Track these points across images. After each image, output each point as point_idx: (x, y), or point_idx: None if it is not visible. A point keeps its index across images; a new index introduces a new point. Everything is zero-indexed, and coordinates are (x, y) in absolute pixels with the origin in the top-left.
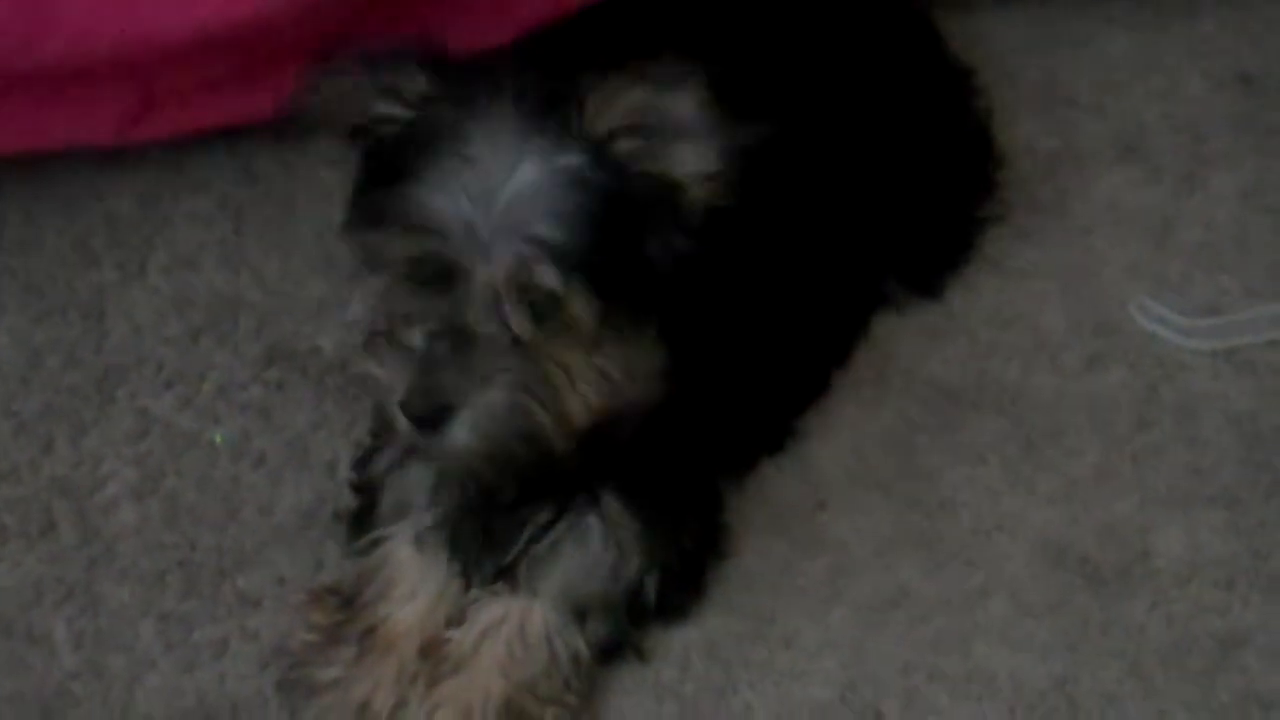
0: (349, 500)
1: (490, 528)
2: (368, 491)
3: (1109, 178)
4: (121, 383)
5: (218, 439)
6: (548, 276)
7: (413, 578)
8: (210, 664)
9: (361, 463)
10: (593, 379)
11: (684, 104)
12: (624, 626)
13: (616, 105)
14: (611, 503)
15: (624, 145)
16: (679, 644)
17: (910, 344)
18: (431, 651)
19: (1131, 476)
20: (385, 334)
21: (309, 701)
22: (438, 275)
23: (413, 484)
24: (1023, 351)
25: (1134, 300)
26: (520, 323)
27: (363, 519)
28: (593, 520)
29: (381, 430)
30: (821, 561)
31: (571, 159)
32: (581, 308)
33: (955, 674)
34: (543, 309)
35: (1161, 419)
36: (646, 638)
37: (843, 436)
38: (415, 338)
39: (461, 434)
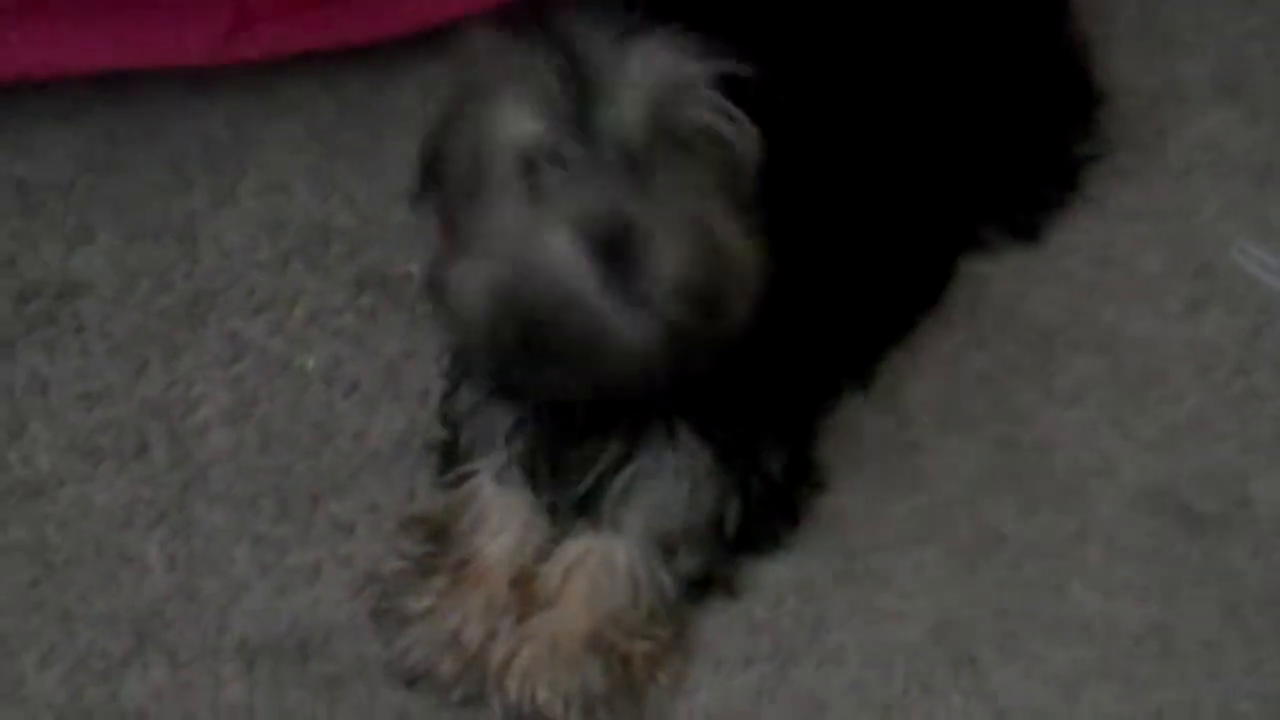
0: (439, 431)
1: (562, 462)
2: (454, 424)
3: (1208, 118)
4: (213, 307)
5: (309, 365)
6: (702, 82)
7: (502, 513)
8: (304, 589)
9: (447, 397)
10: (751, 234)
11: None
12: (713, 559)
13: None
14: (685, 433)
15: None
16: (772, 581)
17: (1006, 283)
18: (522, 585)
19: (1231, 422)
20: (530, 194)
21: (401, 630)
22: (584, 89)
23: (493, 419)
24: (1121, 293)
25: (1235, 244)
26: (679, 136)
27: (451, 451)
28: (667, 453)
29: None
30: (914, 501)
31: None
32: (740, 138)
33: (1049, 618)
34: (696, 143)
35: (1262, 365)
36: (737, 572)
37: (937, 375)
38: (579, 166)
39: (661, 261)
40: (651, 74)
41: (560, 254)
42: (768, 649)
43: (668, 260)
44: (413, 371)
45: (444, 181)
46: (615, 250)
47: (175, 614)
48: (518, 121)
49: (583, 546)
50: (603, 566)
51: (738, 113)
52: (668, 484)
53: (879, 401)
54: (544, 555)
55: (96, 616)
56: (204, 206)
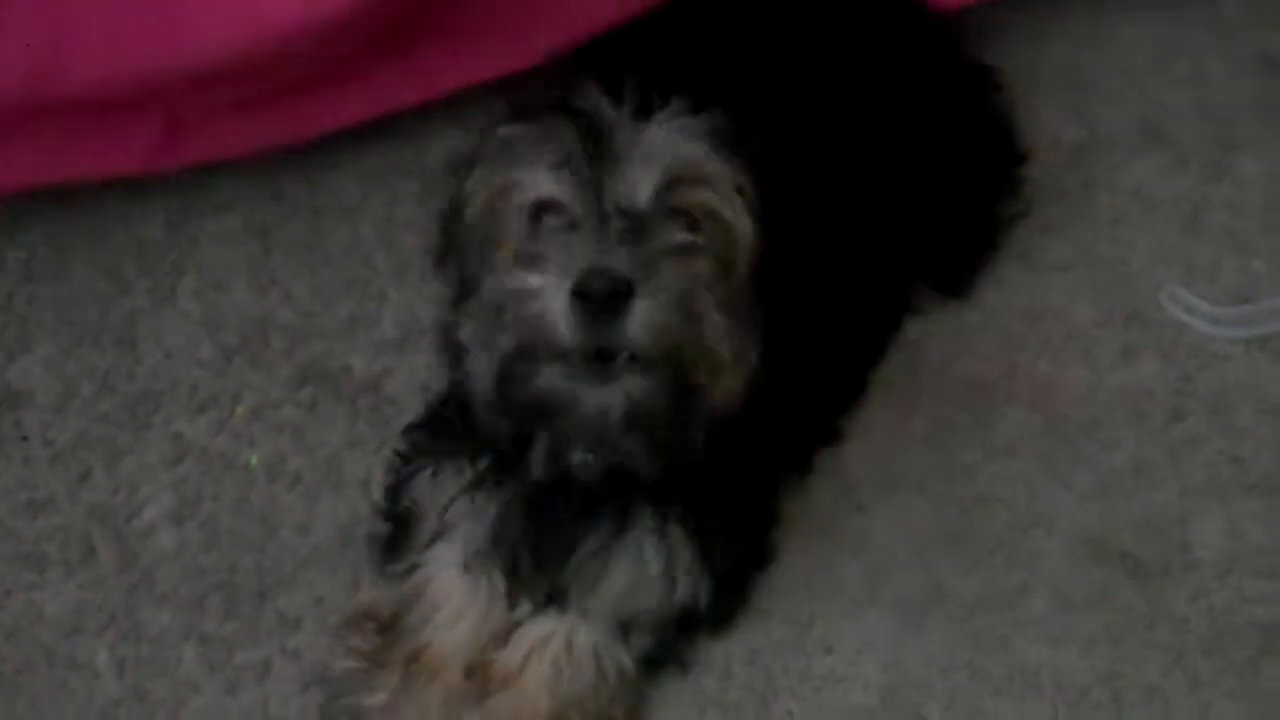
0: (381, 526)
1: (543, 547)
2: (402, 516)
3: (1135, 166)
4: (156, 408)
5: (253, 461)
6: (715, 169)
7: (457, 602)
8: (253, 686)
9: (393, 490)
10: (733, 322)
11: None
12: (670, 640)
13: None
14: (668, 521)
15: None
16: (720, 652)
17: (941, 342)
18: (477, 674)
19: (1169, 468)
20: (535, 246)
21: None
22: (600, 157)
23: (452, 506)
24: (1054, 345)
25: (1164, 289)
26: (684, 213)
27: (398, 543)
28: (647, 539)
29: (536, 346)
30: (860, 563)
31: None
32: (738, 221)
33: (997, 673)
34: (700, 221)
35: (1197, 409)
36: (690, 650)
37: (878, 438)
38: (583, 226)
39: (639, 318)
40: (665, 151)
41: (549, 298)
42: None
43: (646, 319)
44: (355, 462)
45: (459, 237)
46: (600, 304)
47: (126, 719)
48: (534, 180)
49: (542, 629)
50: (565, 650)
51: (742, 199)
52: (649, 570)
53: (824, 467)
54: (499, 641)
55: None
56: (143, 308)
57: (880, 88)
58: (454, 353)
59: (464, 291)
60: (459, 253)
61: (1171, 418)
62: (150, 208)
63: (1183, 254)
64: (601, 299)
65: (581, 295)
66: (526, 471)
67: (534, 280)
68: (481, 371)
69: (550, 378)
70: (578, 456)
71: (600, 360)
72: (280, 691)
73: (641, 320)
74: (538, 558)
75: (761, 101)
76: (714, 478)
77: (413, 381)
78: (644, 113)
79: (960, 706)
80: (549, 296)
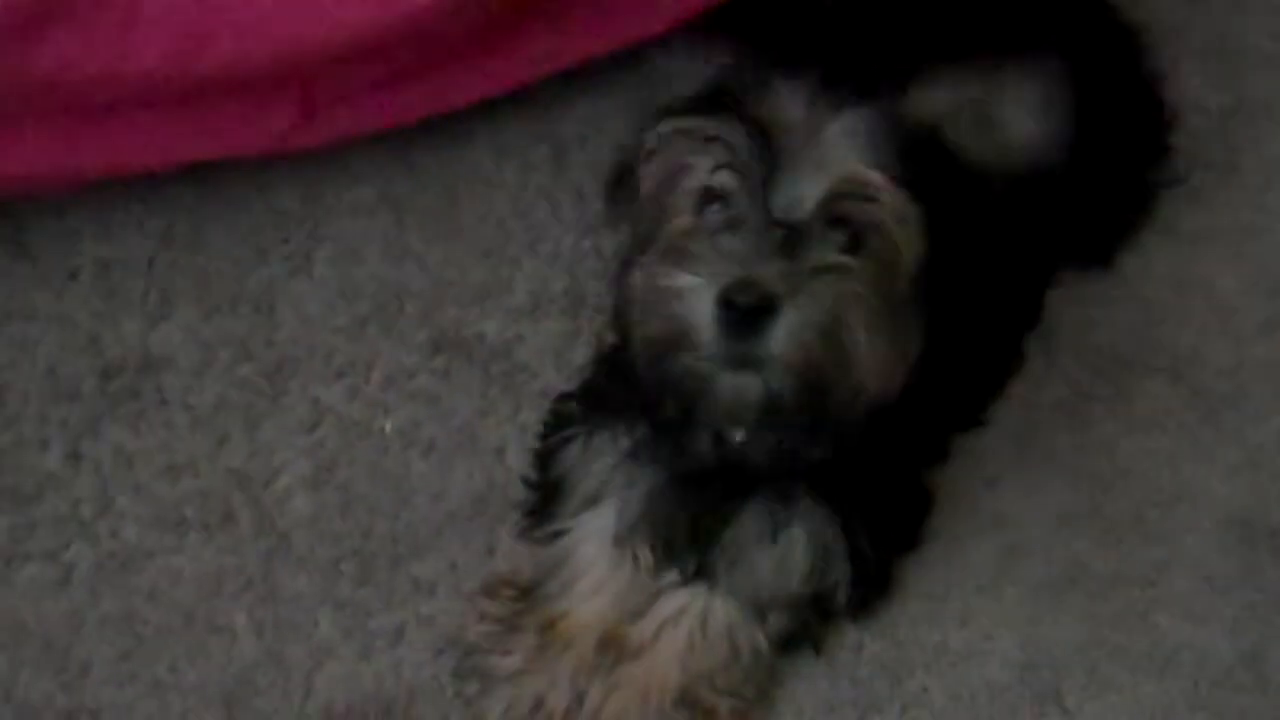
0: (525, 492)
1: (696, 524)
2: (551, 483)
3: None
4: (293, 374)
5: (387, 427)
6: (885, 185)
7: (601, 572)
8: (387, 651)
9: (542, 460)
10: (888, 336)
11: (1012, 100)
12: (808, 622)
13: (944, 96)
14: (819, 513)
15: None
16: (853, 627)
17: (1081, 312)
18: (611, 647)
19: None
20: (690, 242)
21: (486, 692)
22: (771, 161)
23: (603, 478)
24: (1197, 316)
25: None
26: (849, 225)
27: (544, 509)
28: (799, 526)
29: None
30: (994, 539)
31: (886, 121)
32: (904, 237)
33: (1137, 651)
34: (865, 235)
35: None
36: (827, 632)
37: (1013, 410)
38: (741, 230)
39: (781, 334)
40: (836, 160)
41: (694, 300)
42: (849, 695)
43: (786, 335)
44: (488, 430)
45: (633, 195)
46: (741, 312)
47: (263, 681)
48: (707, 173)
49: (678, 602)
50: (699, 625)
51: (911, 216)
52: (794, 555)
53: (956, 438)
54: (635, 615)
55: (188, 687)
56: (280, 276)
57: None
58: (620, 316)
59: (631, 259)
60: (633, 218)
61: None
62: (286, 179)
63: None
64: (745, 311)
65: (726, 304)
66: (687, 447)
67: (684, 279)
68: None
69: (689, 365)
70: (741, 435)
71: (739, 364)
72: (414, 657)
73: (783, 336)
74: (690, 534)
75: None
76: (868, 466)
77: (545, 348)
78: (826, 116)
79: (1098, 684)
80: (695, 299)
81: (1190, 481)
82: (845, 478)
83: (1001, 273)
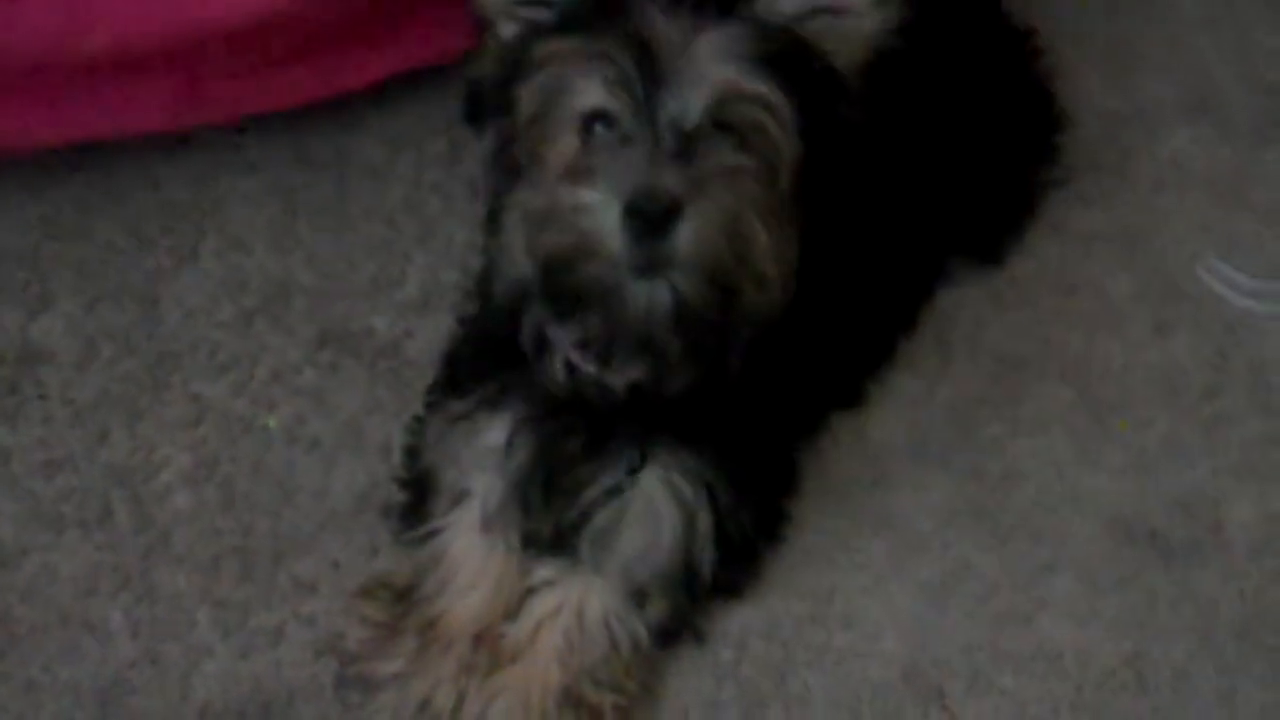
0: (398, 494)
1: (553, 480)
2: (419, 483)
3: (1176, 137)
4: (175, 369)
5: (271, 424)
6: (763, 88)
7: (472, 569)
8: (266, 650)
9: (411, 452)
10: (779, 233)
11: None
12: (683, 607)
13: None
14: (685, 475)
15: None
16: (737, 625)
17: (972, 312)
18: (486, 643)
19: (1202, 446)
20: (587, 159)
21: (368, 698)
22: (654, 76)
23: (468, 464)
24: (1087, 318)
25: (1201, 262)
26: (733, 130)
27: (416, 509)
28: (664, 492)
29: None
30: (881, 538)
31: (750, 30)
32: (782, 136)
33: (1020, 652)
34: (748, 138)
35: (1232, 386)
36: (704, 619)
37: (902, 409)
38: (634, 143)
39: (688, 236)
40: (716, 67)
41: (599, 214)
42: (733, 694)
43: (693, 236)
44: (374, 427)
45: (508, 120)
46: (648, 219)
47: (139, 681)
48: (587, 92)
49: (554, 600)
50: (575, 620)
51: (787, 116)
52: (655, 527)
53: (846, 438)
54: (511, 611)
55: (61, 686)
56: (166, 268)
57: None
58: (494, 238)
59: (506, 181)
60: (505, 140)
61: (1206, 395)
62: (175, 168)
63: (1222, 226)
64: (652, 217)
65: (633, 213)
66: (542, 384)
67: (586, 195)
68: (518, 261)
69: (598, 272)
70: (603, 371)
71: (648, 270)
72: (293, 657)
73: (690, 238)
74: (548, 493)
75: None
76: (734, 423)
77: (434, 344)
78: (695, 30)
79: (981, 685)
80: (600, 212)
81: (1076, 484)
82: (704, 434)
83: (877, 238)
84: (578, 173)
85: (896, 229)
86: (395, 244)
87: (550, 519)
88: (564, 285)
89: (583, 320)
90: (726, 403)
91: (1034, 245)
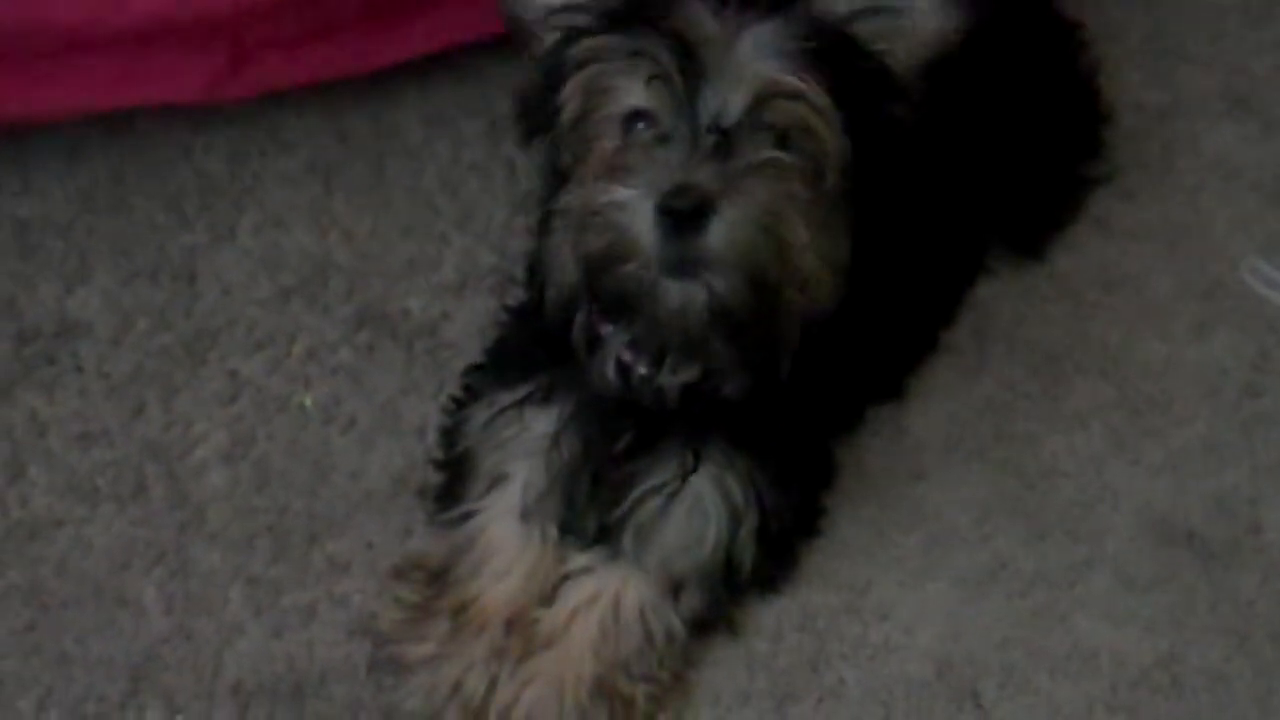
0: (434, 475)
1: (601, 476)
2: (457, 464)
3: (1218, 133)
4: (212, 345)
5: (307, 403)
6: (807, 85)
7: (508, 553)
8: (299, 629)
9: (448, 436)
10: (820, 236)
11: None
12: (720, 599)
13: None
14: (733, 474)
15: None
16: (773, 616)
17: (1012, 306)
18: (519, 629)
19: (1241, 446)
20: (625, 157)
21: (401, 678)
22: (695, 73)
23: (509, 450)
24: (1128, 315)
25: (1244, 262)
26: (775, 128)
27: (453, 490)
28: (710, 490)
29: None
30: (918, 532)
31: (796, 27)
32: (829, 135)
33: (1055, 650)
34: (791, 136)
35: (1272, 387)
36: (740, 611)
37: (941, 403)
38: (672, 141)
39: (721, 233)
40: (758, 67)
41: (634, 212)
42: (766, 685)
43: (727, 234)
44: (410, 408)
45: (553, 125)
46: (681, 217)
47: (171, 657)
48: (627, 90)
49: (590, 588)
50: (611, 610)
51: (833, 114)
52: (701, 524)
53: (883, 431)
54: (545, 596)
55: (94, 660)
56: (203, 244)
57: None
58: (542, 241)
59: (555, 186)
60: (553, 147)
61: (1246, 394)
62: (214, 143)
63: (1264, 225)
64: (684, 215)
65: (665, 211)
66: (592, 383)
67: (621, 193)
68: (566, 264)
69: (635, 272)
70: (655, 372)
71: (682, 270)
72: (326, 636)
73: (722, 236)
74: (595, 489)
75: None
76: (779, 421)
77: (471, 326)
78: (739, 27)
79: (1015, 683)
80: (634, 210)
81: (1113, 481)
82: (754, 435)
83: (924, 231)
84: (615, 171)
85: (941, 223)
86: (433, 225)
87: (594, 513)
88: (606, 286)
89: (630, 322)
90: (775, 401)
91: (1075, 240)
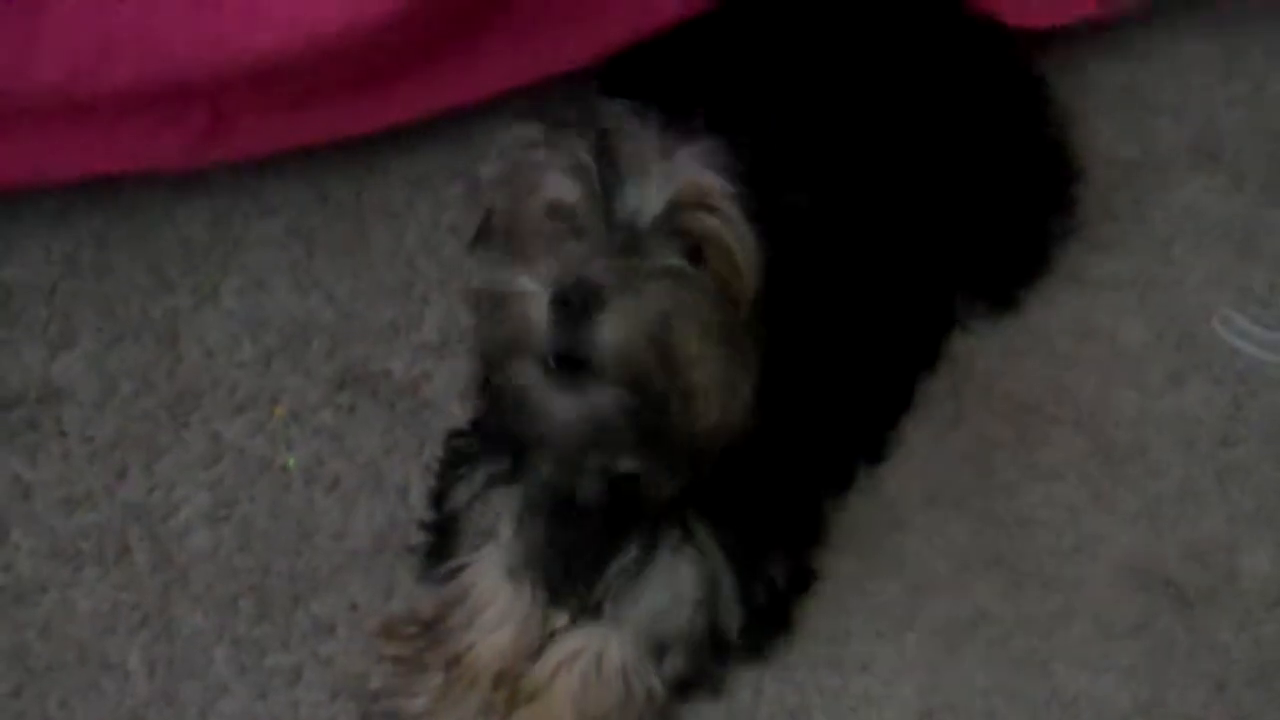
0: (424, 528)
1: (574, 560)
2: (446, 522)
3: (1189, 186)
4: (195, 408)
5: (290, 464)
6: (726, 200)
7: (500, 606)
8: (283, 691)
9: (437, 498)
10: (717, 353)
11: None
12: (704, 664)
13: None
14: (704, 539)
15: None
16: (753, 668)
17: (987, 359)
18: (507, 683)
19: (1217, 495)
20: (539, 247)
21: None
22: (612, 170)
23: (497, 511)
24: (1102, 366)
25: (1217, 313)
26: (689, 236)
27: (441, 547)
28: (682, 560)
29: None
30: (897, 582)
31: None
32: (744, 257)
33: (1035, 698)
34: (705, 250)
35: (1246, 436)
36: (724, 674)
37: (918, 454)
38: (589, 231)
39: (608, 326)
40: (678, 173)
41: (532, 302)
42: None
43: (613, 332)
44: (393, 467)
45: (491, 233)
46: (574, 310)
47: (156, 719)
48: (554, 187)
49: (574, 644)
50: (594, 667)
51: (746, 228)
52: (683, 589)
53: (862, 483)
54: (533, 652)
55: None
56: (186, 307)
57: (931, 95)
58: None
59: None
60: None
61: (1221, 444)
62: (196, 207)
63: (1236, 277)
64: (575, 307)
65: (558, 301)
66: (539, 476)
67: (523, 281)
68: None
69: (525, 376)
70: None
71: (569, 367)
72: (310, 698)
73: (608, 331)
74: (570, 570)
75: (798, 116)
76: (747, 496)
77: (452, 386)
78: (665, 133)
79: None
80: (532, 300)
81: (1090, 530)
82: (722, 510)
83: (887, 295)
84: (526, 260)
85: (911, 283)
86: (414, 286)
87: (572, 590)
88: (500, 386)
89: (523, 429)
90: (733, 479)
91: (1048, 292)
